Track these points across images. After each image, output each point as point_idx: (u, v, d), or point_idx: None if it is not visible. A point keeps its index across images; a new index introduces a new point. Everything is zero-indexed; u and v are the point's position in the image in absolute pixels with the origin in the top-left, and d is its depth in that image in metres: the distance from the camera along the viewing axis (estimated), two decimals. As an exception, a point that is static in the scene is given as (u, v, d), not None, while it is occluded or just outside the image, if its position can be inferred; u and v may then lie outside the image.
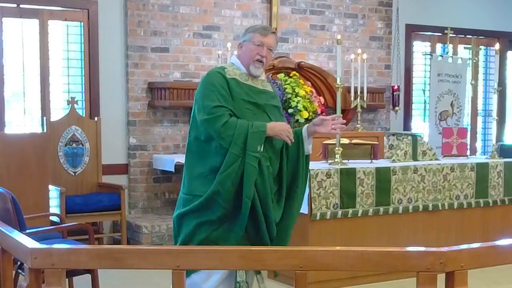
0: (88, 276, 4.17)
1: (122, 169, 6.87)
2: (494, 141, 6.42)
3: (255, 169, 3.29)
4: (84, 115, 6.67)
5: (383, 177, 5.35)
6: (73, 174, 6.47)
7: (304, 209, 4.91)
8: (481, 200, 5.89)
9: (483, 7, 9.17)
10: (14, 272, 3.82)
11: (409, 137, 5.78)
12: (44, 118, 6.35)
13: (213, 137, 3.31)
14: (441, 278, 2.55)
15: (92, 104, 6.77)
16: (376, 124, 8.29)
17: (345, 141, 5.51)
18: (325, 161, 5.40)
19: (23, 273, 3.70)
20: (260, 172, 3.33)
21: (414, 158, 5.73)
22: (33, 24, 6.57)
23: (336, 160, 5.27)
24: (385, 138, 6.74)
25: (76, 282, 4.51)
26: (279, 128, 3.38)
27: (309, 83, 7.50)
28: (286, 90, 7.06)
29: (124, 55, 6.86)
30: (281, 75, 7.27)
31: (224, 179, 3.27)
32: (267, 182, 3.36)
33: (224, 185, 3.27)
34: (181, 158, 6.49)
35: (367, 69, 7.30)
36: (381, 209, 5.34)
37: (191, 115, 3.45)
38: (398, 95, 8.21)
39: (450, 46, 8.24)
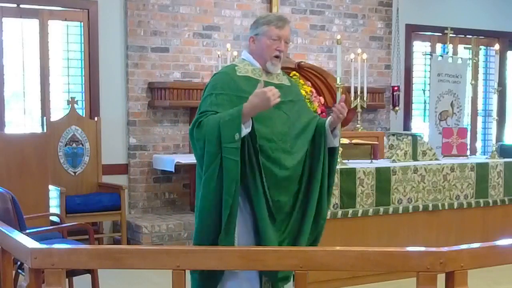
0: (88, 276, 4.17)
1: (122, 169, 6.87)
2: (494, 141, 6.42)
3: (235, 162, 2.86)
4: (84, 115, 6.67)
5: (383, 177, 5.35)
6: (73, 174, 6.46)
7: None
8: (481, 200, 5.89)
9: (483, 7, 9.16)
10: (14, 272, 3.82)
11: (409, 137, 5.78)
12: (44, 118, 6.35)
13: (193, 147, 3.02)
14: (441, 278, 2.55)
15: (92, 104, 6.77)
16: (376, 124, 8.28)
17: (345, 141, 5.50)
18: (325, 161, 5.39)
19: (23, 273, 3.70)
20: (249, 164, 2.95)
21: (414, 158, 5.73)
22: (33, 24, 6.56)
23: (336, 160, 5.26)
24: (385, 138, 6.74)
25: (76, 282, 4.51)
26: (261, 98, 2.87)
27: (309, 83, 7.49)
28: (286, 90, 7.05)
29: (124, 55, 6.86)
30: (281, 75, 7.26)
31: (207, 182, 2.94)
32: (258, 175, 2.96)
33: (209, 188, 2.94)
34: (181, 158, 6.49)
35: (367, 69, 7.29)
36: (381, 209, 5.34)
37: None
38: (398, 95, 8.21)
39: (450, 46, 8.24)
